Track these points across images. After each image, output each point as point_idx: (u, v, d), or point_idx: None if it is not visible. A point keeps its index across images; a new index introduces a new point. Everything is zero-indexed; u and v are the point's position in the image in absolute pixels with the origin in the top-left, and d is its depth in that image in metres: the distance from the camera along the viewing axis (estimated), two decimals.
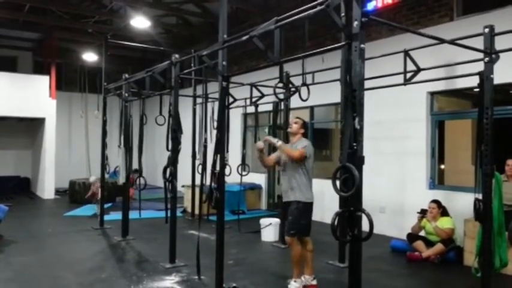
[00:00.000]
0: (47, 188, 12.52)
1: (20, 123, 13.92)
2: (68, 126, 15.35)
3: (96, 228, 8.02)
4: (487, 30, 4.22)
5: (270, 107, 7.38)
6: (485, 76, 4.23)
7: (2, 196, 11.21)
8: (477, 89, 4.38)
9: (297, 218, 4.54)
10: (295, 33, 8.33)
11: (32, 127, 14.08)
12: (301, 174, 4.56)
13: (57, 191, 12.87)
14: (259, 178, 10.52)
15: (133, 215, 7.51)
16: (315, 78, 6.89)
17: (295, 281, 4.58)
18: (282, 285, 4.90)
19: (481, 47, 4.25)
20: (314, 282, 4.65)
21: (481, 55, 4.30)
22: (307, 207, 4.59)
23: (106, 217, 8.38)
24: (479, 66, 4.32)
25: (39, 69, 14.00)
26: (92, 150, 15.05)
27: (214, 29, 4.86)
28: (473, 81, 4.45)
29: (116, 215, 8.37)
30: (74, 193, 11.54)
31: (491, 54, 4.19)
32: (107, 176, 8.55)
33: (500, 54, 4.23)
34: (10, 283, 4.87)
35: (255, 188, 10.46)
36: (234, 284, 4.62)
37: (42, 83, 12.42)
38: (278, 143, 4.68)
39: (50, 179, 12.55)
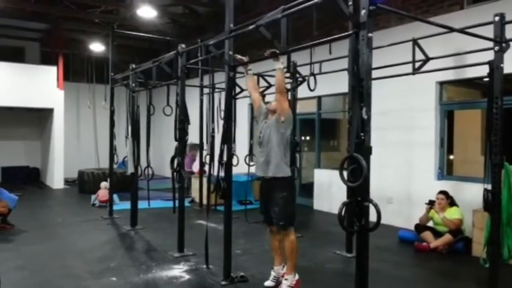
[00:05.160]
0: (56, 178, 12.66)
1: (28, 113, 14.04)
2: (76, 116, 15.44)
3: (105, 217, 8.10)
4: (497, 18, 4.15)
5: None
6: (495, 65, 4.17)
7: (13, 186, 11.35)
8: (487, 79, 4.32)
9: (283, 206, 4.16)
10: (302, 22, 8.25)
11: (40, 118, 14.20)
12: (281, 145, 4.21)
13: (67, 181, 13.01)
14: None
15: (141, 204, 7.57)
16: (322, 68, 6.85)
17: (286, 279, 4.23)
18: None
19: (491, 35, 4.18)
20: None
21: (491, 44, 4.23)
22: (291, 186, 4.32)
23: (115, 207, 8.46)
24: (489, 56, 4.26)
25: (46, 59, 14.07)
26: (100, 140, 15.16)
27: (221, 18, 4.82)
28: (483, 71, 4.39)
29: (125, 205, 8.45)
30: (83, 183, 11.65)
31: (501, 43, 4.12)
32: (115, 166, 8.61)
33: (511, 43, 4.17)
34: (22, 271, 4.96)
35: None
36: (242, 273, 4.66)
37: (50, 73, 12.49)
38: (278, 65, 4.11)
39: (59, 169, 12.69)
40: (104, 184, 9.78)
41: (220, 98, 8.14)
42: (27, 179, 13.90)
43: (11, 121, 14.07)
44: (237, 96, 5.22)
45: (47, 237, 6.67)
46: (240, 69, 4.71)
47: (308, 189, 9.71)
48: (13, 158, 14.22)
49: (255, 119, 4.71)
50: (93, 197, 9.72)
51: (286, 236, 4.22)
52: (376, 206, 2.79)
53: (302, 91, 6.88)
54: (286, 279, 4.24)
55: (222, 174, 4.61)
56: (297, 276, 4.30)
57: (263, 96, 7.56)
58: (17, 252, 5.82)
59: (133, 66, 7.25)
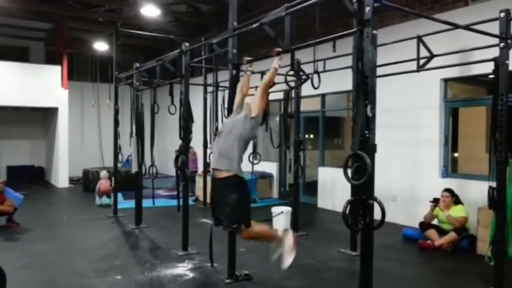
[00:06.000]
0: (61, 177, 12.71)
1: (33, 113, 14.10)
2: (80, 115, 15.50)
3: (110, 216, 8.13)
4: (502, 14, 4.13)
5: (280, 95, 7.34)
6: (500, 62, 4.14)
7: (18, 185, 11.40)
8: (492, 76, 4.30)
9: (235, 207, 3.87)
10: (306, 20, 8.24)
11: (45, 117, 14.26)
12: (241, 141, 3.95)
13: (71, 180, 13.06)
14: (270, 167, 10.53)
15: (146, 203, 7.60)
16: (326, 66, 6.84)
17: (282, 246, 4.04)
18: (293, 273, 4.93)
19: (497, 32, 4.16)
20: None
21: (496, 40, 4.21)
22: (243, 186, 4.00)
23: (119, 205, 8.49)
24: (495, 52, 4.23)
25: (51, 59, 14.11)
26: (104, 139, 15.22)
27: (225, 16, 4.83)
28: (488, 68, 4.36)
29: (129, 203, 8.47)
30: (88, 182, 11.68)
31: (506, 40, 4.10)
32: (119, 165, 8.64)
33: None
34: (27, 269, 4.99)
35: (266, 176, 10.47)
36: (246, 272, 4.66)
37: (54, 72, 12.53)
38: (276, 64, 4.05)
39: (64, 168, 12.73)
40: (104, 174, 9.79)
41: (224, 96, 8.14)
42: (32, 178, 13.96)
43: (16, 120, 14.14)
44: None
45: (52, 236, 6.70)
46: (243, 67, 4.70)
47: (312, 187, 9.71)
48: (18, 157, 14.28)
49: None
50: (97, 197, 9.63)
51: (248, 233, 3.93)
52: (380, 204, 2.79)
53: (306, 89, 6.87)
54: (282, 246, 4.04)
55: None
56: (288, 235, 4.10)
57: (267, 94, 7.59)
58: (23, 250, 5.86)
59: (137, 65, 7.27)
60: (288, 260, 4.03)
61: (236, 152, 3.94)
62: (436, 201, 6.12)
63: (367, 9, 2.85)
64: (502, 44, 4.12)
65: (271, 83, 4.18)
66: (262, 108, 4.11)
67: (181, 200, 5.72)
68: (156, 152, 7.33)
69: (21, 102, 12.13)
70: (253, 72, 4.59)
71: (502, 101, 4.13)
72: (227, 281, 4.52)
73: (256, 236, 4.07)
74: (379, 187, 3.07)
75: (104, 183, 9.56)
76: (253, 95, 4.31)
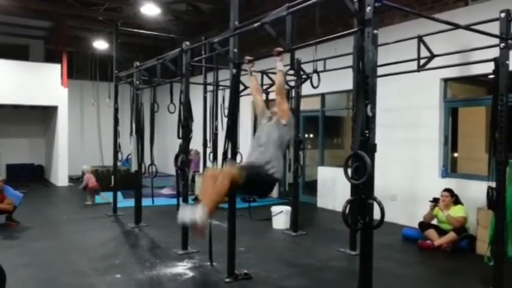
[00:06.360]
0: (60, 176, 12.71)
1: (32, 111, 14.10)
2: (80, 114, 15.49)
3: (109, 215, 8.13)
4: (503, 15, 4.13)
5: None
6: (500, 62, 4.15)
7: (17, 183, 11.40)
8: (492, 76, 4.30)
9: (256, 169, 3.76)
10: (306, 20, 8.24)
11: (44, 115, 14.26)
12: (280, 148, 3.96)
13: (71, 179, 13.06)
14: None
15: (145, 202, 7.60)
16: (327, 65, 6.84)
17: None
18: (293, 273, 4.94)
19: (497, 32, 4.16)
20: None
21: (496, 41, 4.21)
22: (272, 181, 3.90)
23: (119, 204, 8.49)
24: (495, 52, 4.24)
25: (50, 57, 14.11)
26: (104, 137, 15.22)
27: (226, 15, 4.83)
28: (488, 68, 4.37)
29: (129, 202, 8.47)
30: None
31: (507, 40, 4.10)
32: (119, 163, 8.64)
33: None
34: (26, 268, 4.99)
35: None
36: (246, 271, 4.66)
37: (54, 71, 12.52)
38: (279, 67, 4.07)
39: (64, 167, 12.74)
40: (88, 167, 9.68)
41: (224, 96, 8.14)
42: (32, 177, 13.95)
43: (16, 119, 14.14)
44: (241, 94, 5.23)
45: (52, 234, 6.70)
46: (244, 66, 4.70)
47: (312, 186, 9.71)
48: (18, 155, 14.28)
49: (258, 123, 4.42)
50: (88, 196, 9.42)
51: (224, 178, 3.56)
52: (380, 203, 2.79)
53: (306, 88, 6.87)
54: (200, 210, 3.53)
55: None
56: (207, 214, 3.57)
57: (267, 93, 7.59)
58: (22, 249, 5.86)
59: (138, 63, 7.26)
60: (184, 214, 3.65)
61: (277, 157, 3.92)
62: (435, 201, 6.12)
63: (368, 8, 2.85)
64: (502, 44, 4.12)
65: (284, 85, 4.27)
66: (290, 110, 4.16)
67: (181, 199, 5.73)
68: (156, 150, 7.33)
69: (20, 100, 12.12)
70: (255, 72, 4.58)
71: (502, 101, 4.13)
72: (227, 280, 4.53)
73: (220, 185, 3.58)
74: (379, 187, 3.07)
75: (90, 178, 9.41)
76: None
